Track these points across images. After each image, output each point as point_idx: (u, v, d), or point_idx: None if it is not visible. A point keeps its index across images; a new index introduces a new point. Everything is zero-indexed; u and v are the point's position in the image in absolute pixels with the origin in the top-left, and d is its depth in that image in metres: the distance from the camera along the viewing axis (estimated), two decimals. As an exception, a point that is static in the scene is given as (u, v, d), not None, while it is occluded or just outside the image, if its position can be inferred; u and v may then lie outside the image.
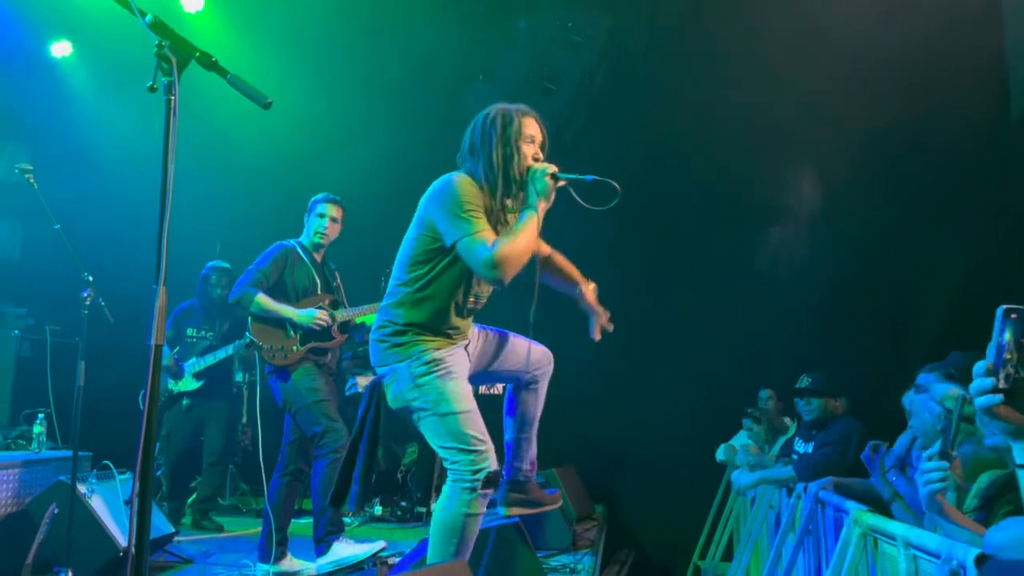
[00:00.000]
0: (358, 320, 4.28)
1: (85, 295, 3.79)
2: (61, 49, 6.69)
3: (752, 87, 6.02)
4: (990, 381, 1.29)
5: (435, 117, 6.48)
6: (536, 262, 2.81)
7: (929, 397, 3.11)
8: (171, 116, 1.71)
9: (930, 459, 2.08)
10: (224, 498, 6.26)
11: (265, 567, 3.82)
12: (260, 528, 3.96)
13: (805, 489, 3.81)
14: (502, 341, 2.86)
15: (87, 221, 6.07)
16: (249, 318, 4.06)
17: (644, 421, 6.89)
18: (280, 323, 4.01)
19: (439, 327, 2.64)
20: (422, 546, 3.66)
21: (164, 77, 1.75)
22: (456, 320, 2.68)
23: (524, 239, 2.54)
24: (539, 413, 2.94)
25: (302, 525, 4.46)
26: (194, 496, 5.59)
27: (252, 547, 4.09)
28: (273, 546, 3.83)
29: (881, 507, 3.11)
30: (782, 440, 5.43)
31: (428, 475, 5.65)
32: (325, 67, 6.61)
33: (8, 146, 6.69)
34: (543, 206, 2.62)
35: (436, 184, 2.65)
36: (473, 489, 2.54)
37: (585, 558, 4.56)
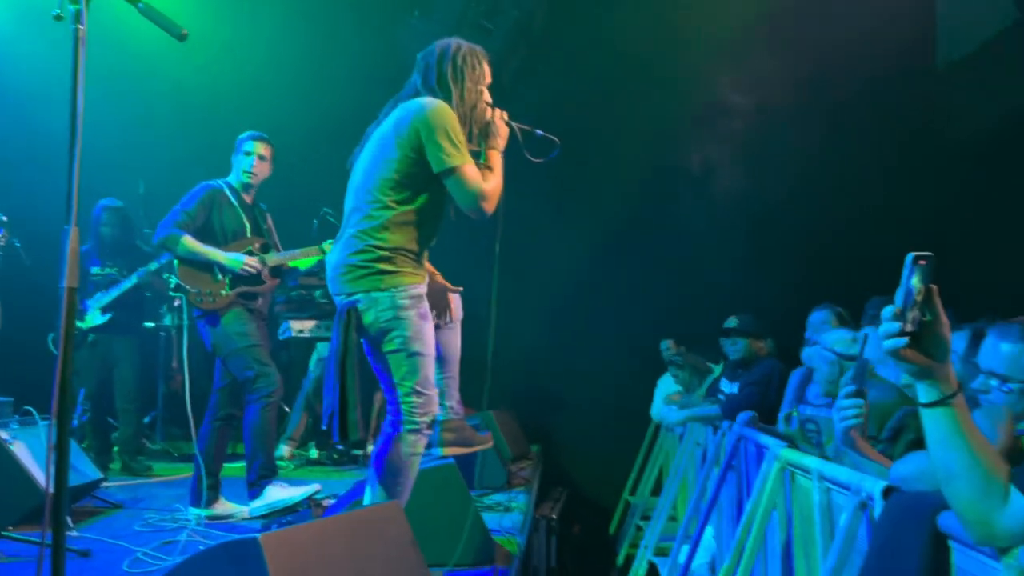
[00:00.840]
0: (291, 264, 4.20)
1: (-1, 235, 3.63)
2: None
3: (686, 27, 6.02)
4: (897, 325, 1.35)
5: (368, 53, 6.31)
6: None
7: (821, 347, 3.27)
8: (79, 47, 1.62)
9: (846, 397, 2.17)
10: (154, 442, 6.17)
11: (197, 511, 3.79)
12: (191, 472, 3.92)
13: (729, 427, 3.95)
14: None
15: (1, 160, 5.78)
16: (175, 261, 3.95)
17: (580, 364, 7.03)
18: (207, 266, 3.91)
19: (419, 256, 2.65)
20: (357, 488, 3.69)
21: (71, 5, 1.64)
22: (425, 253, 2.69)
23: (501, 178, 2.67)
24: (458, 353, 2.97)
25: (235, 468, 4.44)
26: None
27: (183, 491, 4.05)
28: (204, 490, 3.80)
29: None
30: (709, 380, 5.60)
31: (366, 418, 5.67)
32: (252, 3, 6.34)
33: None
34: (501, 145, 2.71)
35: (423, 106, 2.59)
36: (419, 430, 2.60)
37: (519, 496, 4.66)
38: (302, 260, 4.20)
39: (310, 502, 3.77)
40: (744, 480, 3.80)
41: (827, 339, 3.31)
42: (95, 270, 5.22)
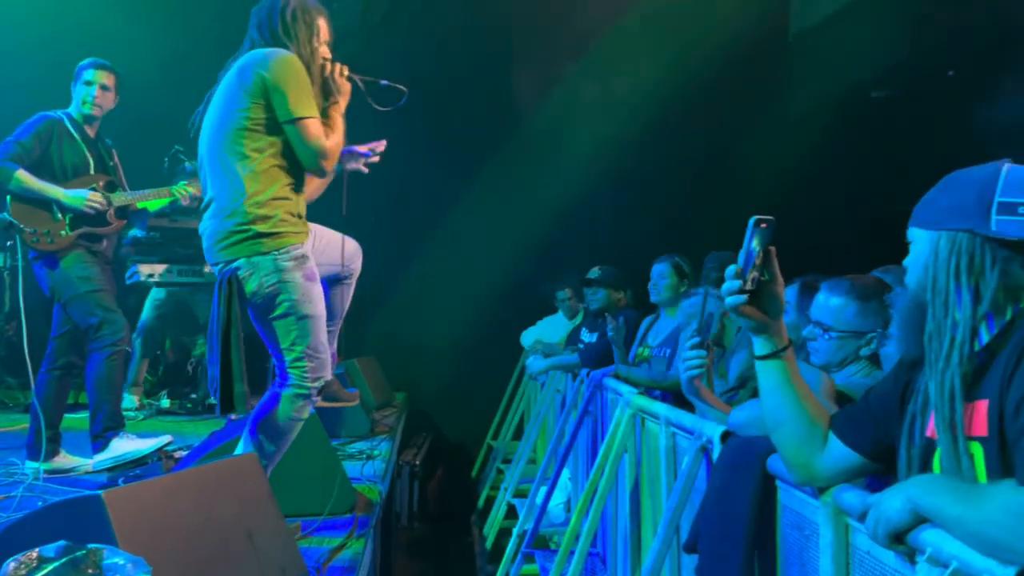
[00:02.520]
0: (140, 205, 3.93)
1: None
2: None
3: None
4: (738, 283, 1.44)
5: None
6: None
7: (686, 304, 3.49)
8: None
9: (691, 348, 2.30)
10: (-14, 394, 5.73)
11: (35, 464, 3.56)
12: (28, 425, 3.67)
13: (588, 375, 4.11)
14: (320, 236, 2.76)
15: None
16: (8, 197, 3.62)
17: (444, 313, 7.08)
18: (46, 204, 3.61)
19: (297, 208, 2.55)
20: (212, 438, 3.58)
21: None
22: (300, 201, 2.59)
23: (341, 135, 2.62)
24: (347, 307, 2.93)
25: (78, 419, 4.18)
26: None
27: (20, 444, 3.79)
28: (44, 443, 3.56)
29: None
30: (570, 327, 5.78)
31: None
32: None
33: None
34: (343, 104, 2.66)
35: (269, 55, 2.49)
36: (308, 396, 2.55)
37: (383, 443, 4.68)
38: (152, 201, 3.94)
39: (160, 455, 3.62)
40: (599, 425, 3.98)
41: (685, 306, 3.53)
42: None
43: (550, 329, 6.30)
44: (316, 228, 2.74)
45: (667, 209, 6.60)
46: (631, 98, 6.49)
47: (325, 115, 2.62)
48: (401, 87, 2.71)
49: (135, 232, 5.15)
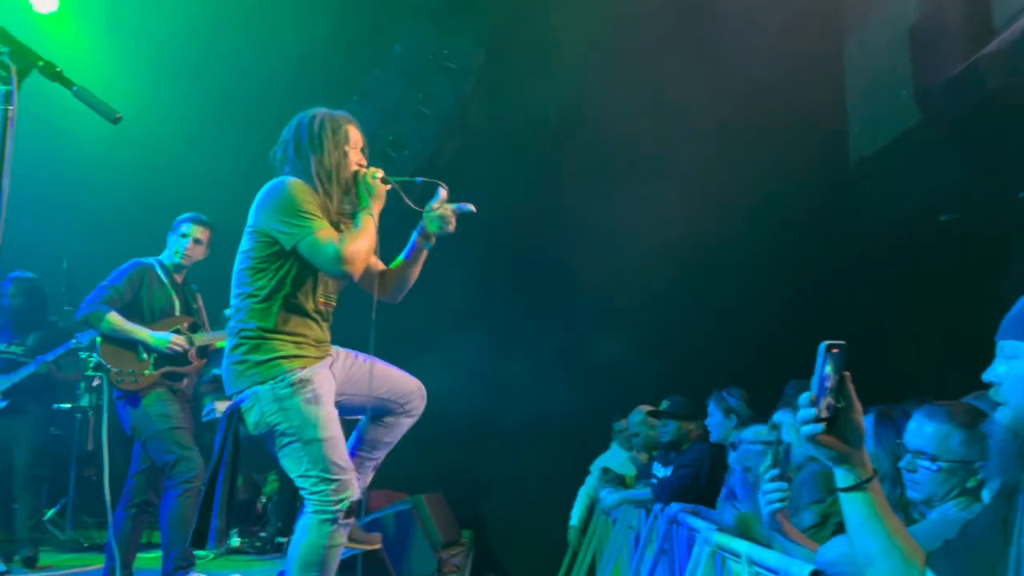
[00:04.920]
0: (219, 344, 4.09)
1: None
2: None
3: (622, 112, 6.26)
4: (813, 411, 1.40)
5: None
6: (374, 281, 2.79)
7: (745, 446, 3.38)
8: (7, 127, 1.60)
9: (770, 481, 2.21)
10: (63, 532, 5.80)
11: (108, 606, 3.57)
12: (103, 564, 3.70)
13: (662, 510, 3.95)
14: (373, 367, 2.76)
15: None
16: (98, 338, 3.82)
17: (511, 446, 6.98)
18: (132, 345, 3.79)
19: (297, 334, 2.55)
20: (280, 578, 3.54)
21: (1, 86, 1.63)
22: (313, 327, 2.60)
23: (366, 237, 2.56)
24: (393, 445, 2.85)
25: (150, 559, 4.20)
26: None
27: (93, 585, 3.82)
28: (117, 583, 3.59)
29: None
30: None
31: (289, 504, 5.47)
32: (189, 80, 6.36)
33: None
34: (376, 208, 2.65)
35: (266, 190, 2.60)
36: (334, 520, 2.46)
37: (450, 584, 4.54)
38: (230, 340, 4.10)
39: (230, 594, 3.59)
40: (676, 564, 3.79)
41: (747, 435, 3.41)
42: (1, 347, 4.99)
43: (613, 461, 6.16)
44: (362, 358, 2.73)
45: (738, 336, 6.51)
46: (699, 227, 6.56)
47: (355, 220, 2.62)
48: (439, 183, 2.73)
49: (215, 371, 5.32)
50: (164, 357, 3.81)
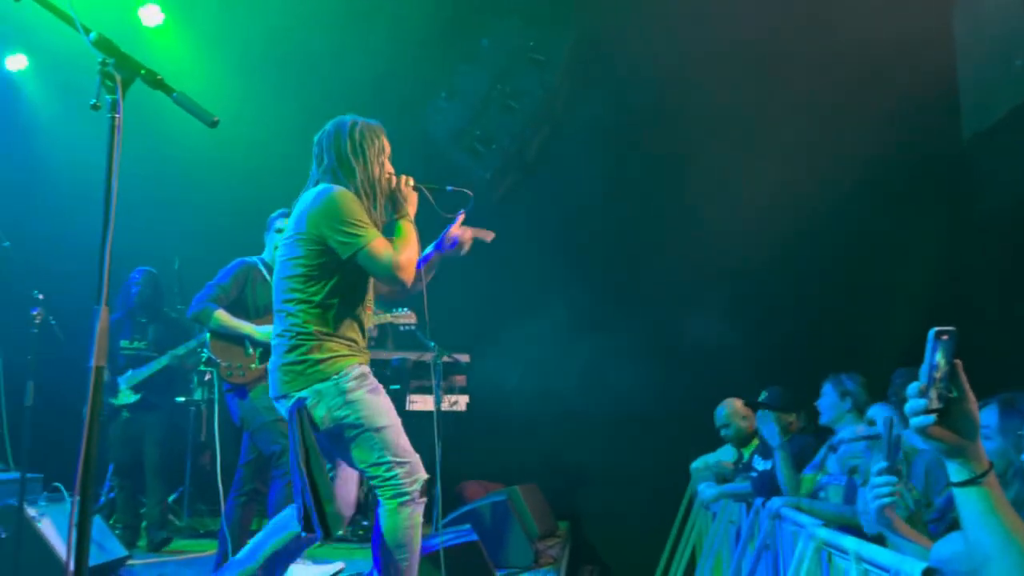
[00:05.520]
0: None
1: (35, 313, 3.72)
2: (16, 63, 6.57)
3: (721, 86, 6.09)
4: (923, 402, 1.32)
5: (395, 134, 6.48)
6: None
7: (844, 447, 3.23)
8: (115, 134, 1.69)
9: (879, 474, 2.11)
10: (180, 519, 6.13)
11: (221, 589, 3.74)
12: (216, 550, 3.89)
13: (763, 504, 3.84)
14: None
15: (39, 238, 5.94)
16: (207, 335, 4.01)
17: (608, 436, 6.91)
18: (239, 340, 3.96)
19: (348, 338, 2.66)
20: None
21: (108, 95, 1.72)
22: (358, 333, 2.71)
23: (415, 245, 2.71)
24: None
25: (260, 546, 4.37)
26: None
27: (207, 570, 4.01)
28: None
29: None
30: (746, 455, 5.47)
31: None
32: (286, 82, 6.57)
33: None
34: (411, 212, 2.78)
35: (316, 199, 2.65)
36: (413, 499, 2.57)
37: (548, 575, 4.54)
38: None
39: (333, 581, 3.71)
40: (779, 560, 3.68)
41: (845, 435, 3.28)
42: (124, 343, 5.30)
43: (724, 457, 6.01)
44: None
45: (841, 322, 6.25)
46: (799, 204, 6.33)
47: (397, 229, 2.73)
48: (467, 191, 2.82)
49: None
50: (268, 351, 3.95)
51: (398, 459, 2.57)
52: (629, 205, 6.69)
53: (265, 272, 4.13)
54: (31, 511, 3.66)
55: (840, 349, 5.85)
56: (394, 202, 2.77)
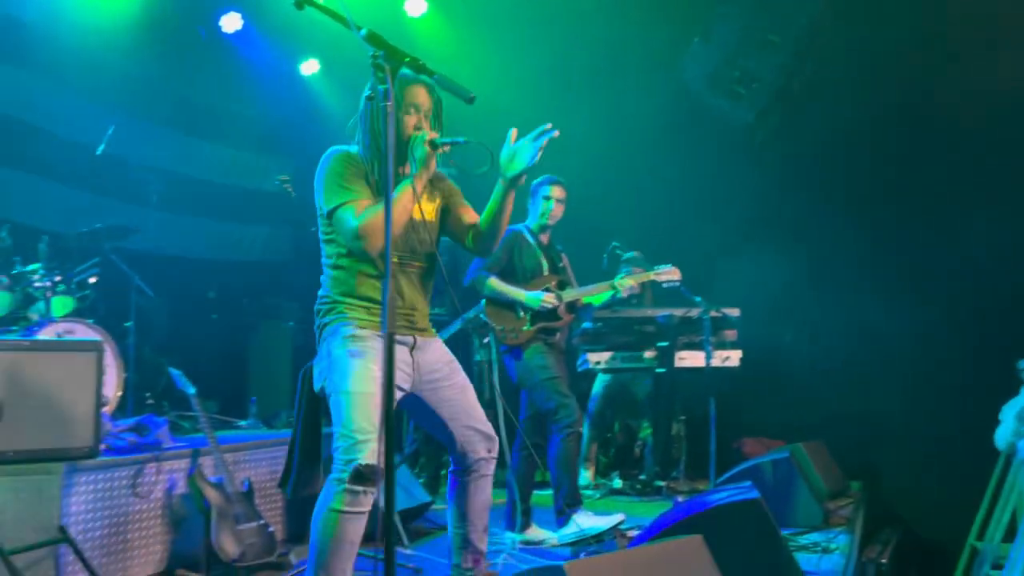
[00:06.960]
0: (585, 300, 4.36)
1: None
2: (309, 67, 7.40)
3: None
4: None
5: (651, 82, 6.37)
6: (437, 252, 2.69)
7: None
8: (388, 120, 1.85)
9: None
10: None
11: (512, 535, 4.02)
12: (504, 499, 4.17)
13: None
14: (463, 385, 2.82)
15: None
16: (483, 300, 4.28)
17: (903, 385, 6.30)
18: (511, 305, 4.18)
19: (369, 298, 2.55)
20: (662, 519, 3.66)
21: (380, 85, 1.89)
22: (377, 287, 2.54)
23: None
24: (481, 512, 2.72)
25: (542, 496, 4.63)
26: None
27: (498, 516, 4.31)
28: (518, 516, 4.03)
29: None
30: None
31: (665, 449, 5.63)
32: (544, 48, 6.71)
33: (269, 159, 7.53)
34: (424, 174, 2.49)
35: (318, 163, 2.64)
36: (341, 480, 2.30)
37: (840, 536, 4.30)
38: (595, 295, 4.34)
39: (615, 532, 3.82)
40: None
41: None
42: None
43: None
44: (459, 372, 2.85)
45: None
46: None
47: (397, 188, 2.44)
48: (487, 147, 2.45)
49: (585, 324, 5.65)
50: (538, 314, 4.14)
51: (343, 430, 2.34)
52: (902, 145, 5.99)
53: (530, 238, 4.30)
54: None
55: None
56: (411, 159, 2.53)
